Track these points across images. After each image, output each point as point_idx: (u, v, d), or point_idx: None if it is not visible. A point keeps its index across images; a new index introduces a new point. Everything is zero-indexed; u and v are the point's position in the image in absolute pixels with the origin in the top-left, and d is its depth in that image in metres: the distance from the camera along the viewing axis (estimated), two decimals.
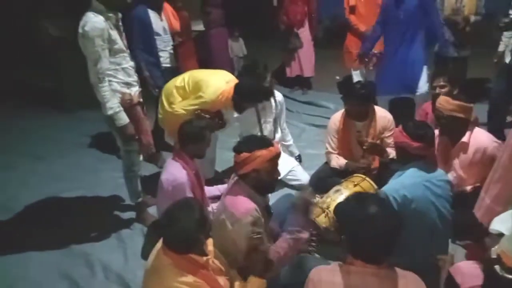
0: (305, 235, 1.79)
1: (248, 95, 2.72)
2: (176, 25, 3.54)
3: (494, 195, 1.10)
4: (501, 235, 1.02)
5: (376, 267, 1.32)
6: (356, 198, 1.43)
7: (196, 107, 2.67)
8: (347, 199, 1.50)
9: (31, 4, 5.12)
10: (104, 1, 2.30)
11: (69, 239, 2.73)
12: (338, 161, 2.94)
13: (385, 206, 1.37)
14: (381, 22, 3.61)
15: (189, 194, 2.21)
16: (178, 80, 2.84)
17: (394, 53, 3.56)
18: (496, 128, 3.28)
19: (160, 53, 3.41)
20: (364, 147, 2.68)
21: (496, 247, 1.01)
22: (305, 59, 5.31)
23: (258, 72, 2.96)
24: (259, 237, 1.81)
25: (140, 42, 3.30)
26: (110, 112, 2.37)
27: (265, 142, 1.91)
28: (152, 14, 3.32)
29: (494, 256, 1.01)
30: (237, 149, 1.89)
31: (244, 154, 1.84)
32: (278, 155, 1.91)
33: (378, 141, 2.71)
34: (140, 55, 3.29)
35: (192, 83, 2.75)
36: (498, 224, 1.03)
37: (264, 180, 1.89)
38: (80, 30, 2.27)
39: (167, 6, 3.50)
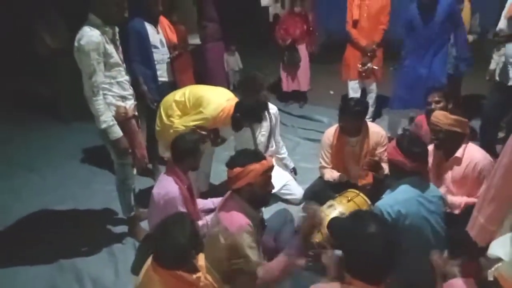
0: (301, 261, 1.78)
1: (249, 114, 2.73)
2: (173, 37, 3.55)
3: (487, 215, 1.10)
4: (499, 259, 1.01)
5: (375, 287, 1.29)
6: (355, 216, 1.41)
7: (196, 123, 2.68)
8: (346, 217, 1.48)
9: (29, 15, 5.12)
10: (101, 15, 2.31)
11: (59, 253, 2.70)
12: (332, 174, 2.95)
13: (384, 225, 1.35)
14: (405, 33, 3.64)
15: (181, 208, 2.19)
16: (178, 94, 2.84)
17: (414, 67, 3.58)
18: (488, 144, 3.31)
19: (157, 66, 3.40)
20: (364, 167, 2.69)
21: (493, 269, 1.00)
22: (302, 74, 5.38)
23: (256, 88, 2.98)
24: (245, 260, 1.80)
25: (137, 54, 3.30)
26: (103, 125, 2.36)
27: (258, 155, 1.91)
28: (148, 27, 3.33)
29: (490, 278, 1.00)
30: (230, 164, 1.89)
31: (237, 169, 1.84)
32: (271, 168, 1.92)
33: (376, 158, 2.71)
34: (137, 68, 3.29)
35: (193, 98, 2.76)
36: (497, 249, 1.01)
37: (257, 194, 1.89)
38: (75, 44, 2.28)
39: (163, 19, 3.51)
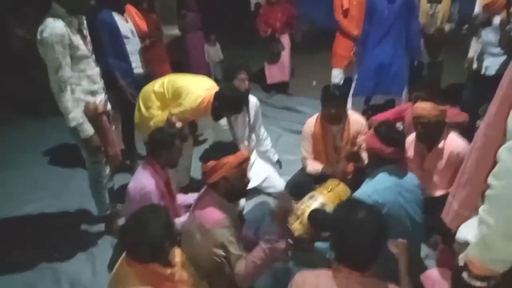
0: (282, 244, 1.75)
1: (229, 103, 2.65)
2: (143, 25, 3.42)
3: (461, 200, 1.08)
4: (467, 242, 1.00)
5: (360, 274, 1.31)
6: (346, 204, 1.44)
7: (177, 116, 2.61)
8: (337, 205, 1.50)
9: (1, 8, 4.94)
10: (65, 4, 2.17)
11: (35, 252, 2.64)
12: (314, 166, 2.93)
13: (374, 213, 1.37)
14: (367, 19, 3.67)
15: (157, 203, 2.13)
16: (157, 85, 2.76)
17: (374, 52, 3.61)
18: (467, 131, 3.33)
19: (131, 57, 3.28)
20: (344, 155, 2.68)
21: (463, 254, 0.99)
22: (285, 64, 5.33)
23: (240, 77, 2.91)
24: (224, 259, 1.77)
25: (111, 48, 3.17)
26: (73, 123, 2.25)
27: (232, 148, 1.87)
28: (117, 17, 3.19)
29: (461, 264, 0.99)
30: (204, 158, 1.85)
31: (211, 162, 1.80)
32: (246, 160, 1.88)
33: (355, 148, 2.70)
34: (113, 63, 3.16)
35: (171, 89, 2.68)
36: (465, 232, 1.01)
37: (234, 187, 1.85)
38: (38, 37, 2.13)
39: (130, 7, 3.38)
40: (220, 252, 1.76)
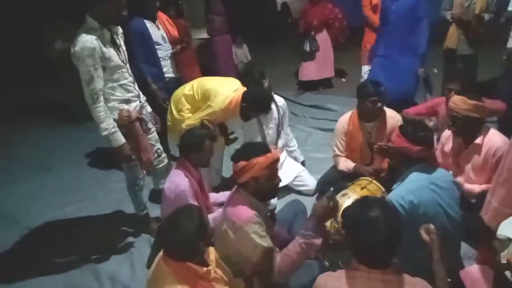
0: (318, 240, 1.75)
1: (256, 103, 2.71)
2: (174, 32, 3.51)
3: (501, 198, 1.05)
4: (509, 240, 0.97)
5: (381, 271, 1.30)
6: (360, 202, 1.42)
7: (206, 117, 2.68)
8: (352, 203, 1.48)
9: (37, 17, 5.19)
10: (98, 16, 2.22)
11: (76, 251, 2.75)
12: (346, 164, 2.90)
13: (388, 209, 1.36)
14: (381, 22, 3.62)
15: (191, 201, 2.18)
16: (187, 88, 2.84)
17: (390, 57, 3.55)
18: (506, 127, 3.20)
19: (163, 63, 3.38)
20: (375, 149, 2.63)
21: (505, 252, 0.96)
22: (324, 62, 5.37)
23: (256, 80, 2.95)
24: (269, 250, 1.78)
25: (142, 55, 3.27)
26: (105, 133, 2.31)
27: (262, 148, 1.88)
28: (149, 24, 3.29)
29: (504, 261, 0.97)
30: (235, 158, 1.86)
31: (242, 163, 1.82)
32: (276, 161, 1.88)
33: (390, 144, 2.65)
34: (144, 68, 3.27)
35: (200, 91, 2.76)
36: (506, 229, 0.97)
37: (264, 187, 1.86)
38: (71, 50, 2.18)
39: (161, 14, 3.46)
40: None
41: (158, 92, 3.28)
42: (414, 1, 3.36)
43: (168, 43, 3.45)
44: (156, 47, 3.34)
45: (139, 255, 2.63)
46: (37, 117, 5.62)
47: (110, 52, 2.28)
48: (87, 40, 2.16)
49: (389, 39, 3.54)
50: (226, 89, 2.70)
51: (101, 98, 2.27)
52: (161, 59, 3.37)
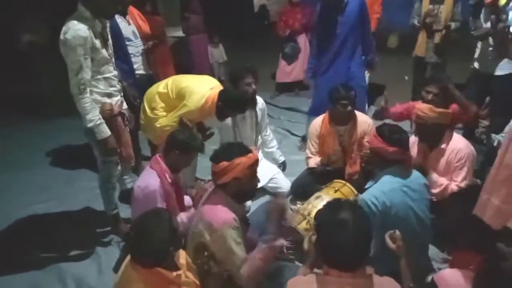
0: (279, 243, 1.75)
1: (232, 103, 2.66)
2: (146, 28, 3.40)
3: (503, 195, 1.05)
4: None
5: (351, 275, 1.29)
6: (329, 204, 1.42)
7: (182, 115, 2.63)
8: (323, 206, 1.47)
9: (6, 10, 4.97)
10: (92, 7, 2.16)
11: (41, 251, 2.65)
12: (315, 160, 2.96)
13: (357, 212, 1.35)
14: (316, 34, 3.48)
15: (160, 203, 2.12)
16: (161, 86, 2.77)
17: (329, 71, 3.43)
18: (469, 132, 3.35)
19: (133, 59, 3.28)
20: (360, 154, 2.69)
21: None
22: (302, 65, 5.36)
23: (246, 81, 2.89)
24: (208, 262, 1.77)
25: (113, 51, 3.18)
26: (90, 124, 2.25)
27: (244, 149, 1.86)
28: (119, 19, 3.17)
29: None
30: (215, 158, 1.83)
31: (223, 163, 1.79)
32: (257, 161, 1.87)
33: (364, 148, 2.71)
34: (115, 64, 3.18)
35: (175, 89, 2.70)
36: None
37: (244, 188, 1.85)
38: (61, 37, 2.13)
39: (132, 10, 3.35)
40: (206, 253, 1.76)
41: (128, 89, 3.19)
42: (357, 9, 3.26)
43: (140, 39, 3.34)
44: (127, 43, 3.21)
45: (107, 257, 2.54)
46: (4, 113, 5.37)
47: (99, 44, 2.23)
48: (80, 29, 2.10)
49: (332, 55, 3.40)
50: (202, 88, 2.65)
51: (88, 89, 2.21)
52: (132, 55, 3.25)
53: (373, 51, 3.58)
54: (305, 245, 1.86)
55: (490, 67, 3.26)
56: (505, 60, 3.06)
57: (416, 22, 4.01)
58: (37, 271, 2.48)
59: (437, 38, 3.92)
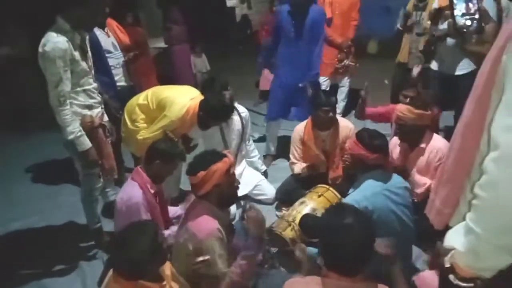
0: (257, 258, 1.77)
1: (214, 112, 2.66)
2: (125, 39, 3.38)
3: (442, 198, 1.10)
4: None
5: (350, 279, 1.30)
6: (332, 209, 1.43)
7: (164, 127, 2.61)
8: (325, 210, 1.49)
9: None
10: (71, 19, 2.15)
11: (23, 268, 2.59)
12: (301, 166, 2.99)
13: (361, 216, 1.37)
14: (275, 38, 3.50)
15: (144, 214, 2.10)
16: (141, 97, 2.76)
17: (287, 78, 3.47)
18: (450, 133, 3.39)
19: (114, 71, 3.25)
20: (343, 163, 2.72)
21: (449, 256, 1.00)
22: None
23: (216, 89, 2.92)
24: (204, 265, 1.76)
25: (93, 63, 3.15)
26: (71, 136, 2.23)
27: (217, 154, 1.87)
28: (98, 32, 3.15)
29: (447, 265, 1.00)
30: (192, 171, 1.83)
31: (201, 173, 1.79)
32: (232, 164, 1.89)
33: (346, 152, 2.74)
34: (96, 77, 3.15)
35: (156, 100, 2.68)
36: (452, 239, 1.01)
37: (226, 193, 1.86)
38: (40, 50, 2.12)
39: (111, 22, 3.33)
40: (200, 258, 1.75)
41: (110, 102, 3.16)
42: (316, 17, 3.33)
43: (119, 51, 3.33)
44: (107, 55, 3.19)
45: (91, 272, 2.50)
46: None
47: (78, 56, 2.22)
48: (59, 41, 2.10)
49: (287, 58, 3.43)
50: (182, 98, 2.65)
51: (68, 101, 2.20)
52: (112, 67, 3.23)
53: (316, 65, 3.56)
54: (297, 253, 1.87)
55: (450, 68, 3.31)
56: (465, 59, 3.13)
57: (398, 25, 4.08)
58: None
59: (421, 44, 4.00)
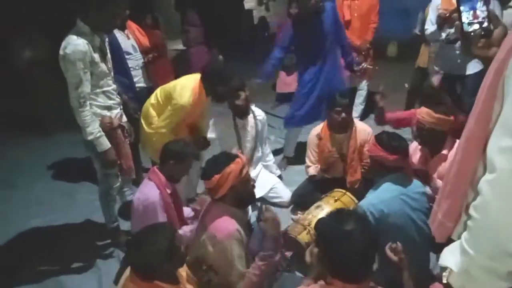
0: (274, 258, 1.76)
1: (217, 75, 2.70)
2: (145, 41, 3.45)
3: (444, 211, 1.07)
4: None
5: (356, 287, 1.27)
6: (334, 215, 1.40)
7: (175, 115, 2.66)
8: (326, 217, 1.47)
9: (4, 26, 5.03)
10: (91, 22, 2.21)
11: (42, 266, 2.63)
12: (316, 169, 2.96)
13: (363, 222, 1.34)
14: (285, 47, 3.46)
15: (161, 214, 2.12)
16: (152, 98, 2.84)
17: (310, 87, 3.42)
18: None
19: (133, 73, 3.32)
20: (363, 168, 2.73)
21: (446, 272, 0.98)
22: None
23: (242, 98, 2.95)
24: (208, 273, 1.77)
25: (113, 65, 3.21)
26: (90, 137, 2.27)
27: (229, 156, 1.88)
28: (118, 34, 3.22)
29: (444, 281, 0.99)
30: (206, 175, 1.84)
31: (216, 177, 1.79)
32: (246, 164, 1.89)
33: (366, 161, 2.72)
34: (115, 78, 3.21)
35: (163, 95, 2.76)
36: (448, 258, 0.99)
37: (242, 193, 1.86)
38: (61, 52, 2.17)
39: (131, 24, 3.40)
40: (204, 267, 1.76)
41: (129, 103, 3.21)
42: (331, 16, 3.28)
43: (139, 53, 3.39)
44: (126, 56, 3.26)
45: (107, 270, 2.53)
46: (2, 130, 5.39)
47: (98, 58, 2.27)
48: (79, 44, 2.15)
49: (308, 61, 3.39)
50: (186, 82, 2.70)
51: (88, 102, 2.24)
52: (131, 69, 3.30)
53: (351, 53, 3.59)
54: (307, 257, 1.85)
55: (457, 69, 3.28)
56: (474, 60, 3.07)
57: (417, 31, 4.02)
58: (36, 285, 2.47)
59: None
